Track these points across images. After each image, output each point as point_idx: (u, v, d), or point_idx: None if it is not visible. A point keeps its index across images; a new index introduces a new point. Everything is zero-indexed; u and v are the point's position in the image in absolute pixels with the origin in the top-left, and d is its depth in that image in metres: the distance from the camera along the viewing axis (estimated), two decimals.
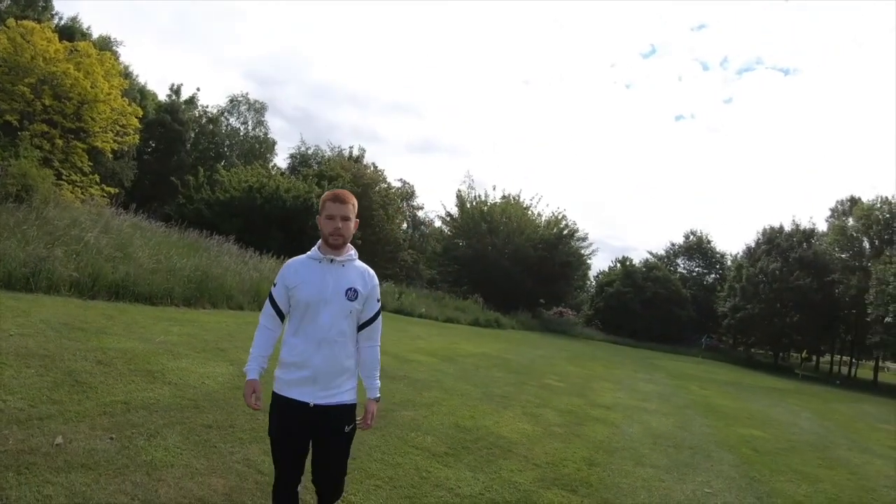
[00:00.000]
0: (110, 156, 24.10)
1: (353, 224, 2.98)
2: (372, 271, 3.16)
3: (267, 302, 3.08)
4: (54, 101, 20.18)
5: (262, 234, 25.13)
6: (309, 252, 3.06)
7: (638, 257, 64.50)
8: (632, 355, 28.36)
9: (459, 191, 40.52)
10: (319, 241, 3.04)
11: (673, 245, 56.56)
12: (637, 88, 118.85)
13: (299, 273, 3.00)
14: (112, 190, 22.08)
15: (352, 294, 2.96)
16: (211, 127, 43.80)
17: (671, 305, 46.42)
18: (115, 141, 22.88)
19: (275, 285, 3.06)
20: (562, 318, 41.56)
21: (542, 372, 13.98)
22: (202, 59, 78.47)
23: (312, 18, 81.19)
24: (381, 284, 3.14)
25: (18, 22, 20.85)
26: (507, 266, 35.95)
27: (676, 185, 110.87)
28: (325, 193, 3.06)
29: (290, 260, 3.12)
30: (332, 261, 2.99)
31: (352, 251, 3.07)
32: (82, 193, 19.84)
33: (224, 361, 7.77)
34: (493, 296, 32.54)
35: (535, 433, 7.41)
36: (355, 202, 3.04)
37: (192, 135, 41.34)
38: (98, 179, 21.72)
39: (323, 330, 2.92)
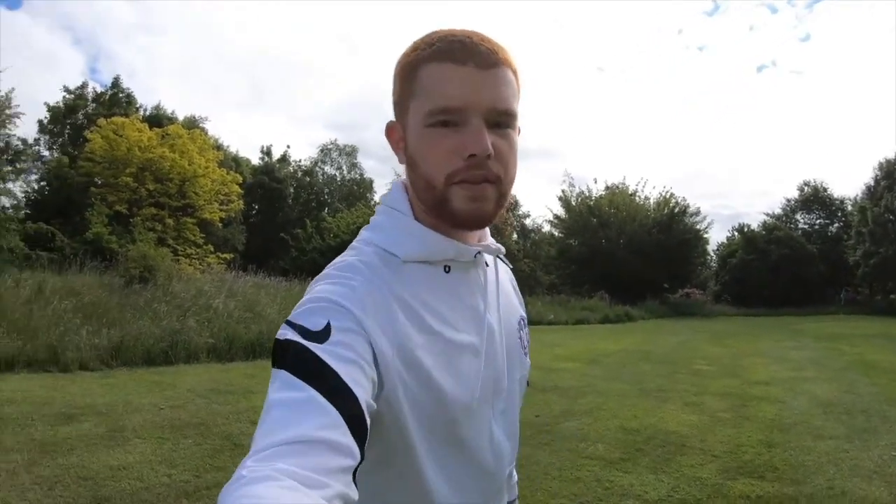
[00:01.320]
0: (219, 224, 25.07)
1: (514, 142, 0.90)
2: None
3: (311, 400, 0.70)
4: (157, 184, 21.26)
5: None
6: (372, 238, 0.96)
7: (753, 221, 60.83)
8: (770, 324, 26.52)
9: (563, 191, 39.49)
10: (398, 197, 0.98)
11: (788, 201, 52.66)
12: (711, 49, 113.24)
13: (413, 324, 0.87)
14: (227, 256, 22.91)
15: (526, 336, 1.12)
16: (308, 179, 45.28)
17: (799, 265, 43.26)
18: (220, 210, 23.88)
19: (318, 362, 0.72)
20: (689, 299, 39.60)
21: (688, 358, 13.11)
22: (284, 119, 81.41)
23: (382, 61, 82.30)
24: None
25: (108, 120, 22.15)
26: (624, 257, 34.69)
27: (774, 137, 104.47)
28: (425, 36, 0.91)
29: (335, 278, 0.86)
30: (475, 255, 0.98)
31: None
32: (200, 264, 20.61)
33: None
34: (617, 289, 31.38)
35: (703, 423, 6.92)
36: (517, 70, 0.92)
37: (292, 190, 42.87)
38: (212, 248, 22.65)
39: (495, 459, 0.98)
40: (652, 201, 38.76)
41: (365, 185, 49.27)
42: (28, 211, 21.34)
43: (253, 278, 17.17)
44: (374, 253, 0.91)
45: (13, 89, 13.26)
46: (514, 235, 42.85)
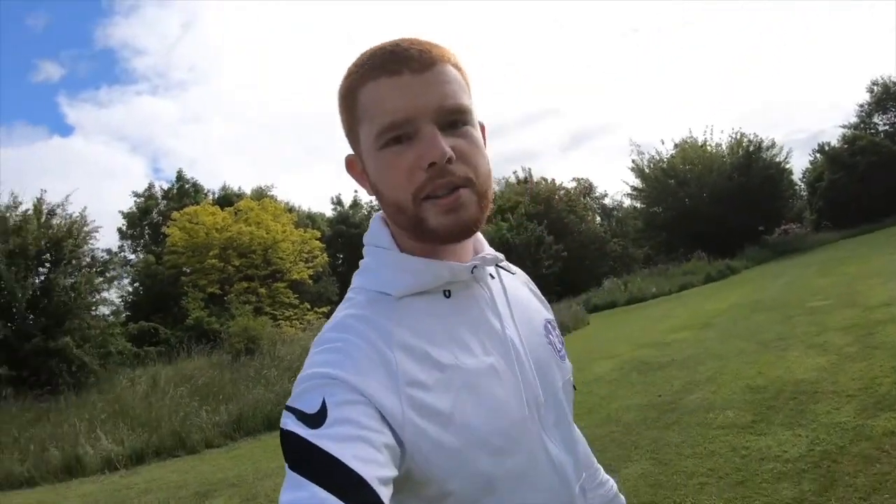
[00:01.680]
0: (310, 282, 25.62)
1: (475, 137, 0.85)
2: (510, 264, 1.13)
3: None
4: (242, 258, 22.06)
5: None
6: (363, 283, 0.91)
7: (831, 138, 57.07)
8: (876, 241, 24.82)
9: (633, 160, 38.44)
10: (378, 233, 0.92)
11: (861, 106, 49.32)
12: None
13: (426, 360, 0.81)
14: (324, 309, 23.29)
15: (557, 339, 1.04)
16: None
17: (891, 168, 40.57)
18: (307, 268, 24.50)
19: (318, 419, 0.71)
20: (788, 235, 37.71)
21: (800, 297, 12.39)
22: (337, 166, 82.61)
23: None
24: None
25: (181, 212, 23.39)
26: (710, 210, 33.37)
27: (831, 44, 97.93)
28: (357, 59, 0.86)
29: (325, 346, 0.80)
30: (475, 271, 0.91)
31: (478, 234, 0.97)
32: (300, 323, 21.14)
33: None
34: (712, 245, 30.28)
35: (831, 363, 6.46)
36: (458, 63, 0.87)
37: None
38: (308, 306, 23.18)
39: (559, 478, 0.89)
40: (724, 146, 37.21)
41: None
42: (129, 313, 22.45)
43: None
44: (366, 300, 0.86)
45: (85, 208, 13.95)
46: (598, 219, 42.12)
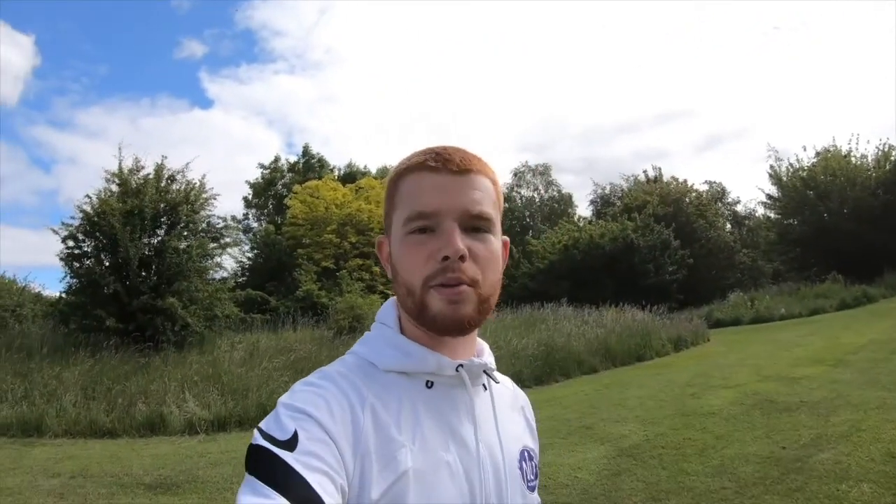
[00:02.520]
0: None
1: (493, 247, 0.91)
2: (516, 386, 1.19)
3: None
4: (359, 236, 22.15)
5: (592, 286, 24.37)
6: (359, 350, 0.97)
7: None
8: None
9: (770, 166, 35.60)
10: (388, 313, 0.99)
11: None
12: None
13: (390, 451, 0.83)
14: None
15: (531, 469, 1.03)
16: (506, 205, 44.97)
17: None
18: None
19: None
20: None
21: None
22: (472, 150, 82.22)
23: (559, 76, 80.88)
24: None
25: (303, 185, 23.95)
26: (850, 228, 30.09)
27: None
28: (400, 161, 0.97)
29: (306, 386, 0.87)
30: (460, 370, 0.92)
31: (483, 343, 1.05)
32: None
33: (593, 441, 6.69)
34: (849, 267, 27.45)
35: None
36: (495, 178, 0.97)
37: None
38: None
39: None
40: (870, 158, 33.68)
41: (565, 201, 48.09)
42: (244, 278, 23.46)
43: None
44: (354, 364, 0.93)
45: (205, 175, 14.16)
46: (728, 226, 39.43)
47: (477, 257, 0.87)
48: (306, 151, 33.03)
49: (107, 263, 12.86)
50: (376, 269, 21.73)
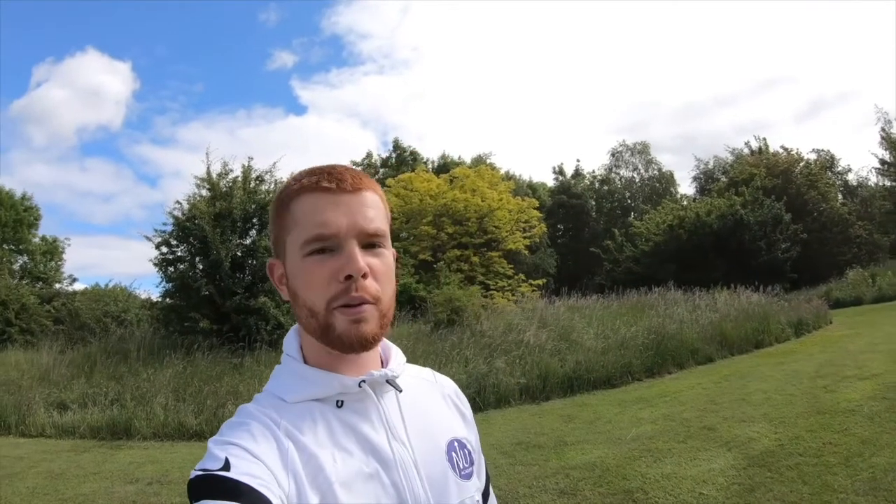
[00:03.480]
0: (526, 252, 24.68)
1: (388, 261, 0.96)
2: (441, 376, 1.21)
3: None
4: (456, 226, 21.59)
5: (700, 268, 23.34)
6: (269, 387, 1.00)
7: None
8: None
9: (882, 129, 32.32)
10: (290, 343, 1.01)
11: None
12: None
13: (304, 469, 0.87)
14: (539, 282, 22.37)
15: (463, 458, 1.04)
16: (606, 187, 43.78)
17: None
18: (524, 238, 23.51)
19: None
20: None
21: None
22: (567, 134, 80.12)
23: (649, 55, 78.04)
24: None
25: (396, 178, 23.70)
26: None
27: None
28: (293, 175, 1.02)
29: (230, 424, 0.92)
30: (363, 385, 0.96)
31: (390, 346, 1.08)
32: (513, 295, 20.20)
33: (717, 447, 5.80)
34: None
35: None
36: (379, 191, 1.00)
37: (592, 202, 41.73)
38: (523, 277, 22.21)
39: None
40: None
41: (666, 180, 46.15)
42: None
43: (566, 302, 16.25)
44: (265, 401, 0.94)
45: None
46: (840, 197, 36.20)
47: (376, 273, 0.91)
48: (397, 146, 32.98)
49: (200, 267, 12.93)
50: (475, 258, 21.29)
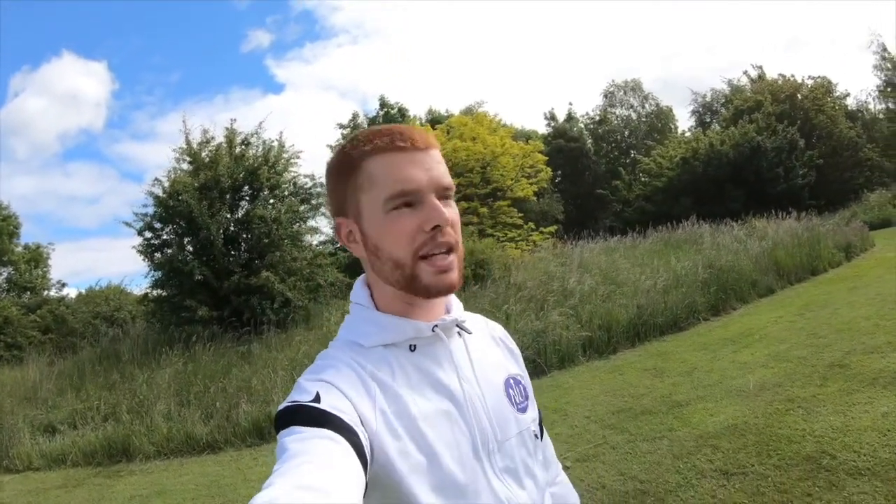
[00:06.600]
0: (534, 199, 23.31)
1: (458, 213, 1.01)
2: (490, 321, 1.24)
3: None
4: (459, 178, 20.04)
5: (718, 200, 23.15)
6: (343, 335, 1.04)
7: None
8: None
9: (883, 45, 30.78)
10: (359, 294, 1.05)
11: None
12: None
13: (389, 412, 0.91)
14: (550, 229, 21.10)
15: (519, 393, 1.11)
16: (602, 129, 42.18)
17: None
18: (531, 184, 21.99)
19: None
20: None
21: None
22: (551, 81, 78.67)
23: None
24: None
25: None
26: None
27: None
28: (356, 136, 0.99)
29: (319, 362, 0.98)
30: (436, 329, 1.01)
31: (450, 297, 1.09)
32: (526, 245, 19.01)
33: (866, 386, 4.59)
34: None
35: None
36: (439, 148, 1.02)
37: (590, 146, 40.04)
38: (533, 226, 20.77)
39: None
40: None
41: (665, 115, 44.78)
42: None
43: (592, 245, 15.24)
44: (342, 345, 1.00)
45: (282, 133, 13.27)
46: (846, 121, 34.77)
47: (454, 223, 0.97)
48: (384, 103, 31.06)
49: (189, 248, 11.50)
50: (483, 210, 19.83)
